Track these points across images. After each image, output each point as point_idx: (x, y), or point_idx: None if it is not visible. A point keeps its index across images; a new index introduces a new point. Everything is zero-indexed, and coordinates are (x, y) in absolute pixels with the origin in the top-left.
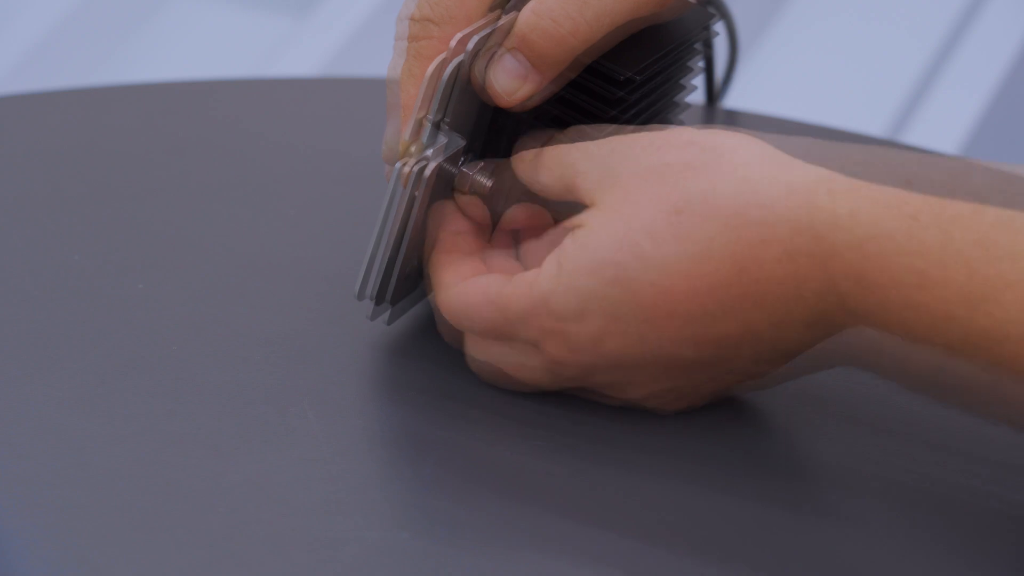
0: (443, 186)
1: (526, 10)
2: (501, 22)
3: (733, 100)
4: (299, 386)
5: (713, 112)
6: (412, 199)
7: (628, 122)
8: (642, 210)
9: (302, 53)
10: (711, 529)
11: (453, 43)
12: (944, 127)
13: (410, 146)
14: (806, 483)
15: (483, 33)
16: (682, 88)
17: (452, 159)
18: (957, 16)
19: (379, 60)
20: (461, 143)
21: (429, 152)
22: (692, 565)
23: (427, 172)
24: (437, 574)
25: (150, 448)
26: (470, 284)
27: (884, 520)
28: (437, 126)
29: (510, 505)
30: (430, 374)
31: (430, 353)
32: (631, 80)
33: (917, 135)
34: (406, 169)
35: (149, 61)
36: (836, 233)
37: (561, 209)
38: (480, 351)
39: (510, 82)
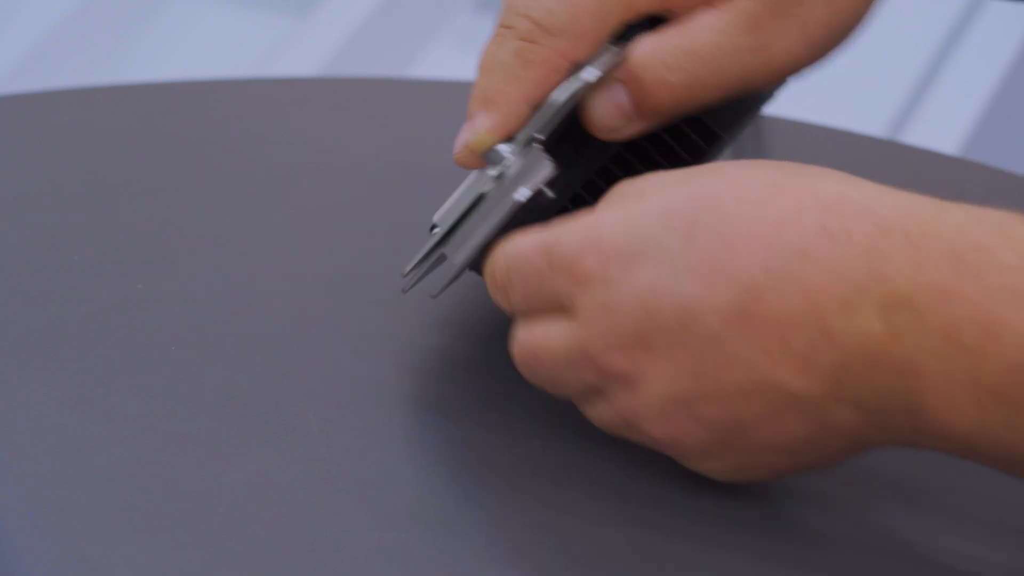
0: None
1: (641, 47)
2: (609, 54)
3: None
4: (299, 386)
5: None
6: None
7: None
8: (732, 176)
9: (302, 53)
10: (711, 528)
11: (589, 77)
12: (944, 127)
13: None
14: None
15: (605, 64)
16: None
17: (546, 184)
18: (957, 17)
19: (379, 60)
20: (550, 167)
21: (510, 163)
22: (692, 565)
23: (520, 196)
24: (437, 574)
25: (150, 448)
26: (526, 235)
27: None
28: (529, 142)
29: (510, 505)
30: (431, 375)
31: (431, 354)
32: (723, 138)
33: (917, 135)
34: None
35: (149, 61)
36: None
37: None
38: (520, 324)
39: (609, 112)
